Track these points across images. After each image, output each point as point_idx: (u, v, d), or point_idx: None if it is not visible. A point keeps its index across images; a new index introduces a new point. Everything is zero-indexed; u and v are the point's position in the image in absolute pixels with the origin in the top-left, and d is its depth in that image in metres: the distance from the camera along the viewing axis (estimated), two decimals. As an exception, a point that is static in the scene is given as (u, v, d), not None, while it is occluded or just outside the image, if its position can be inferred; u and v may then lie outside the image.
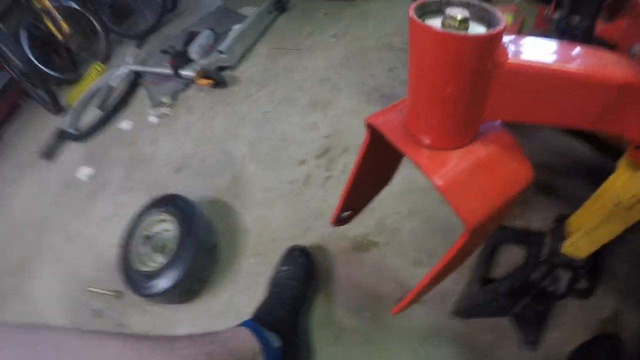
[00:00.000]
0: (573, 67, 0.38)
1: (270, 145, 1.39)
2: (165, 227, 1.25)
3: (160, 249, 1.21)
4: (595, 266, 0.86)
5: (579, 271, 0.73)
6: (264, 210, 1.24)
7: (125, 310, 1.26)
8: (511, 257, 0.94)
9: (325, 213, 1.14)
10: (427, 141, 0.44)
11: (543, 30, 0.83)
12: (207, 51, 1.97)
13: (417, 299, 0.56)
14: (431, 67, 0.37)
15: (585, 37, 0.67)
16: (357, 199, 0.75)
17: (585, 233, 0.64)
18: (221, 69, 1.85)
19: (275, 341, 0.86)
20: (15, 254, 1.67)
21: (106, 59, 2.50)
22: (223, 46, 1.83)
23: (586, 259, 0.71)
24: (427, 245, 1.03)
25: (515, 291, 0.80)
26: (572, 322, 0.85)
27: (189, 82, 1.86)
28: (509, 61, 0.37)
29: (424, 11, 0.38)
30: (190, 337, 0.69)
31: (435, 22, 0.36)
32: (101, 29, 2.48)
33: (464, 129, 0.43)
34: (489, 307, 0.86)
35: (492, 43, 0.35)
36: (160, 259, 1.17)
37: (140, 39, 2.48)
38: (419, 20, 0.35)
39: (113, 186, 1.64)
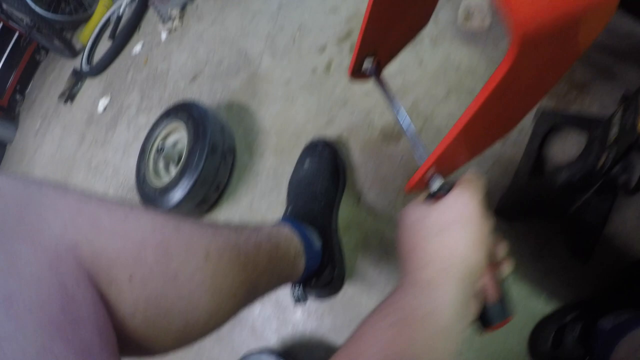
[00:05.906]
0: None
1: (287, 37, 1.19)
2: (179, 136, 1.12)
3: (176, 160, 1.08)
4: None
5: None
6: (284, 104, 1.06)
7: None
8: (565, 150, 0.70)
9: (351, 100, 0.95)
10: None
11: None
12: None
13: (432, 170, 0.43)
14: None
15: None
16: (382, 39, 0.54)
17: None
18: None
19: (317, 241, 0.72)
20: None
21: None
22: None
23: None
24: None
25: (575, 184, 0.58)
26: (634, 232, 0.62)
27: (197, -10, 1.67)
28: None
29: None
30: (230, 226, 0.53)
31: None
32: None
33: None
34: (540, 204, 0.65)
35: None
36: (174, 171, 1.04)
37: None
38: None
39: (132, 110, 1.53)
